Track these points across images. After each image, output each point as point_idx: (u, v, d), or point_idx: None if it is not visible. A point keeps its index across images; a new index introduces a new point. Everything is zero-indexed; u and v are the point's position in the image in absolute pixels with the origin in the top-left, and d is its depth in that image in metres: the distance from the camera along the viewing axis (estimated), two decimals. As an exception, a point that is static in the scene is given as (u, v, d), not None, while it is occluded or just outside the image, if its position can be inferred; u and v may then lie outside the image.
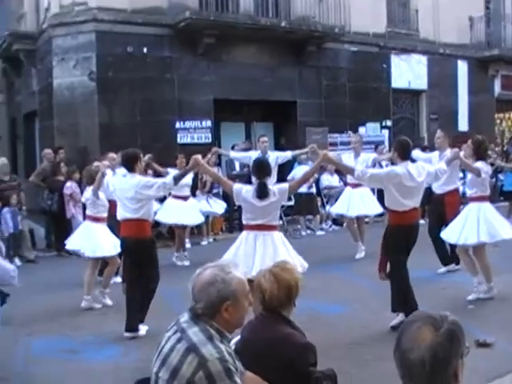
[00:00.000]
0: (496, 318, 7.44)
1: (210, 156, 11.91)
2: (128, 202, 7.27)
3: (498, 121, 24.62)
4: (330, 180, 16.84)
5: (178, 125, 16.13)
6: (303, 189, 14.18)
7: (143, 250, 7.31)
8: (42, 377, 6.10)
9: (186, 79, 16.24)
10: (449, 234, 8.68)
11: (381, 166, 12.53)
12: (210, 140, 16.37)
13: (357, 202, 11.74)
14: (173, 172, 11.04)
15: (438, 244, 9.66)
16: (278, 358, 3.43)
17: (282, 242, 6.70)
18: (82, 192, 12.45)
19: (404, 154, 7.10)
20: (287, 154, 11.92)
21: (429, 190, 9.85)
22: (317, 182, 16.22)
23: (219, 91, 16.64)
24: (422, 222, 12.31)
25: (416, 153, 10.92)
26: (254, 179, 6.90)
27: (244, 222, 6.80)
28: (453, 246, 9.30)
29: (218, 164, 15.61)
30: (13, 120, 21.05)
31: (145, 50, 15.67)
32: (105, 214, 8.96)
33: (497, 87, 23.22)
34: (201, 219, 12.78)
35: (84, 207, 10.31)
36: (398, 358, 2.04)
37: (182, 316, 3.01)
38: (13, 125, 21.12)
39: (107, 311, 8.44)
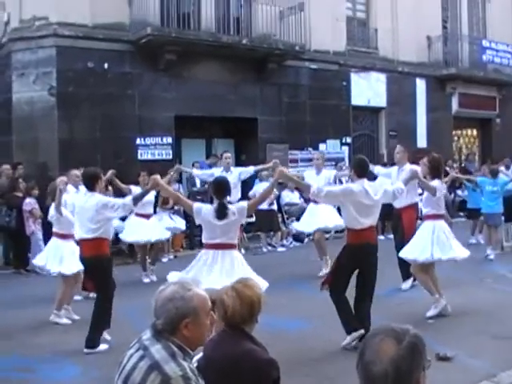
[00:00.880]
0: (456, 332, 7.53)
1: (172, 173, 11.90)
2: (87, 221, 7.29)
3: (456, 138, 25.06)
4: (290, 197, 16.92)
5: (138, 141, 16.06)
6: (264, 205, 14.21)
7: (101, 268, 7.34)
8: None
9: (146, 95, 16.21)
10: (407, 253, 8.79)
11: (341, 183, 12.62)
12: (171, 156, 16.35)
13: (319, 217, 11.73)
14: (135, 189, 10.99)
15: (403, 260, 9.64)
16: (240, 374, 3.42)
17: (241, 261, 6.73)
18: (41, 208, 12.36)
19: (361, 172, 7.12)
20: (250, 170, 11.98)
21: (388, 206, 9.92)
22: (278, 198, 16.28)
23: (180, 108, 16.63)
24: (381, 237, 12.51)
25: (377, 168, 11.08)
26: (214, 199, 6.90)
27: (204, 240, 6.81)
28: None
29: (179, 181, 15.57)
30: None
31: (106, 65, 15.61)
32: (72, 230, 8.72)
33: (454, 105, 23.63)
34: (167, 234, 12.72)
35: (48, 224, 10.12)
36: (361, 370, 2.05)
37: (145, 333, 2.99)
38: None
39: (67, 329, 8.31)
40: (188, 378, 2.75)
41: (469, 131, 25.85)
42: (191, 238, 15.39)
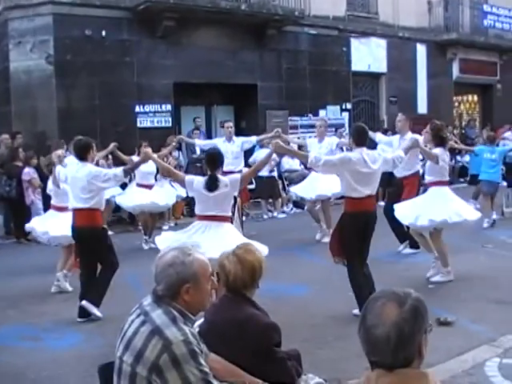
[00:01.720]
0: (456, 297, 7.57)
1: (174, 144, 11.90)
2: (80, 191, 7.28)
3: (457, 103, 24.97)
4: (290, 163, 16.88)
5: (137, 109, 15.99)
6: (264, 172, 14.22)
7: (95, 239, 7.31)
8: (6, 366, 5.98)
9: (145, 62, 16.09)
10: (403, 215, 8.68)
11: (342, 151, 12.56)
12: (171, 124, 16.30)
13: (319, 184, 11.58)
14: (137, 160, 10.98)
15: (394, 223, 9.55)
16: (242, 338, 3.44)
17: (235, 232, 6.74)
18: (40, 178, 12.34)
19: (359, 140, 7.03)
20: (252, 139, 11.94)
21: (388, 174, 9.89)
22: (278, 165, 16.25)
23: (179, 75, 16.51)
24: (381, 203, 12.50)
25: (378, 136, 11.03)
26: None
27: (196, 212, 6.82)
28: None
29: (179, 148, 15.52)
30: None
31: (103, 33, 15.46)
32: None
33: (455, 70, 23.50)
34: (172, 200, 12.72)
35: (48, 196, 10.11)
36: (363, 334, 2.05)
37: (146, 299, 3.00)
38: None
39: (68, 297, 8.33)
40: (189, 342, 2.76)
41: (469, 97, 25.76)
42: (191, 206, 15.37)
